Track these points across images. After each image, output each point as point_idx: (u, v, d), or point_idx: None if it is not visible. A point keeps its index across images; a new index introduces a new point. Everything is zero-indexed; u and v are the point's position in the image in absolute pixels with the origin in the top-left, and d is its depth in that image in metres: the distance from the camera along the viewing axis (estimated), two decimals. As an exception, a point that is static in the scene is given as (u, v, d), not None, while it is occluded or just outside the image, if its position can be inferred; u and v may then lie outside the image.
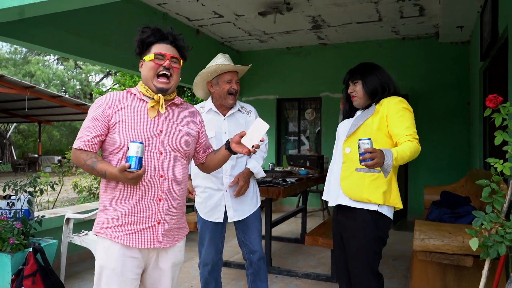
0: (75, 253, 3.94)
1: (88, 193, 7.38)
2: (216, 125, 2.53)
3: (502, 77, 3.60)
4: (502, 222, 1.87)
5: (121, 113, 1.68)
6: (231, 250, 4.55)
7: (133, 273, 1.66)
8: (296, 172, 4.69)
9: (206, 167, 2.00)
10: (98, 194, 6.80)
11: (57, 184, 4.02)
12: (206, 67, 2.50)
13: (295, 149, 7.40)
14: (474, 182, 3.08)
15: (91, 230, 3.42)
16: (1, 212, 3.32)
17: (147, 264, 1.72)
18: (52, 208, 6.14)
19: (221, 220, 2.53)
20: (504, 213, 1.92)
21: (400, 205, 2.11)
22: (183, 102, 1.87)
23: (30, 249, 2.96)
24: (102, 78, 25.43)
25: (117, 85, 9.02)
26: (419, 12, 5.27)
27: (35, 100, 12.56)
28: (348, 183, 2.12)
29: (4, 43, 22.02)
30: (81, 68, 24.81)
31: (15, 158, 19.42)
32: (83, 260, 4.03)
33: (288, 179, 3.88)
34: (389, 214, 2.10)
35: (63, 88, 24.38)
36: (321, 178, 4.42)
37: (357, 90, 2.19)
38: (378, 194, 2.04)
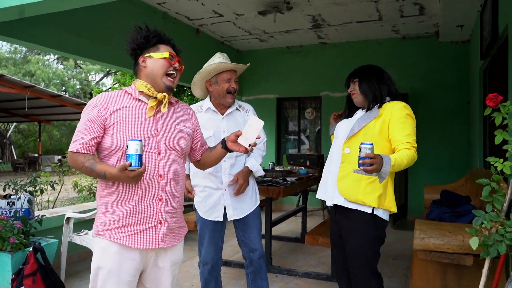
0: (75, 253, 3.95)
1: (88, 193, 7.38)
2: (214, 124, 2.53)
3: (502, 76, 3.60)
4: (502, 221, 1.87)
5: (118, 114, 1.65)
6: (231, 249, 4.55)
7: (130, 274, 1.65)
8: (296, 171, 4.69)
9: (202, 165, 2.00)
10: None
11: (57, 183, 4.02)
12: (205, 66, 2.50)
13: (295, 148, 7.40)
14: (474, 181, 3.09)
15: (91, 229, 3.42)
16: (1, 212, 3.32)
17: (146, 264, 1.71)
18: (52, 208, 6.14)
19: (221, 219, 2.53)
20: (504, 212, 1.92)
21: (394, 209, 2.13)
22: (177, 101, 1.88)
23: (30, 249, 2.96)
24: (102, 78, 25.43)
25: (117, 84, 9.02)
26: (419, 11, 5.26)
27: (35, 99, 12.56)
28: (344, 184, 2.13)
29: (4, 43, 22.01)
30: (81, 68, 24.80)
31: (15, 157, 19.42)
32: (83, 260, 4.04)
33: (288, 179, 3.88)
34: (384, 216, 2.13)
35: (63, 88, 24.37)
36: (321, 178, 4.40)
37: (355, 89, 2.25)
38: (373, 197, 2.06)
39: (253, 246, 2.58)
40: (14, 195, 3.38)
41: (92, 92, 17.74)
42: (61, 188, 6.88)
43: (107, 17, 4.37)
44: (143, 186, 1.64)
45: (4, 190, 3.44)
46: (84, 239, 3.42)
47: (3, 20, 3.19)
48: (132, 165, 1.51)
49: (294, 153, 6.96)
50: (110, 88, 15.49)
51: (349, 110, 2.35)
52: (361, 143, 1.80)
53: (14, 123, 20.59)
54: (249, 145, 1.76)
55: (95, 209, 3.92)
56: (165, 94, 1.72)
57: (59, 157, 17.85)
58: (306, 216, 5.08)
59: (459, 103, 6.12)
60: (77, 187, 7.37)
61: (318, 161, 5.59)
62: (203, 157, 1.96)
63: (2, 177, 12.77)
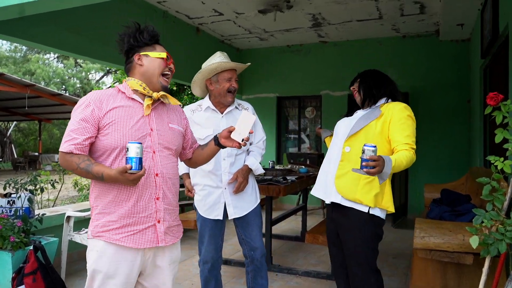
0: (75, 251, 3.95)
1: (88, 191, 7.39)
2: (214, 122, 2.53)
3: (502, 75, 3.60)
4: (502, 220, 1.87)
5: (113, 113, 1.61)
6: (231, 248, 4.55)
7: (126, 276, 1.63)
8: (296, 170, 4.69)
9: (194, 163, 1.99)
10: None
11: (57, 182, 4.02)
12: (205, 65, 2.50)
13: (295, 147, 7.40)
14: (475, 180, 3.08)
15: (91, 228, 3.42)
16: (2, 210, 3.32)
17: (145, 265, 1.70)
18: (53, 206, 6.14)
19: (221, 218, 2.53)
20: (505, 211, 1.92)
21: (392, 209, 2.14)
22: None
23: (31, 247, 2.96)
24: (102, 76, 25.42)
25: (117, 83, 9.02)
26: (420, 10, 5.26)
27: (35, 98, 12.57)
28: (342, 182, 2.14)
29: (4, 41, 22.00)
30: (81, 66, 24.80)
31: (16, 156, 19.44)
32: (84, 258, 4.02)
33: (288, 177, 3.88)
34: (382, 215, 2.14)
35: (63, 86, 24.38)
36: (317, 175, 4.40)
37: (356, 87, 2.33)
38: (370, 197, 2.07)
39: (254, 244, 2.58)
40: (14, 193, 3.38)
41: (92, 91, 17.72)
42: (61, 186, 6.88)
43: (107, 15, 4.36)
44: (140, 186, 1.62)
45: (5, 188, 3.44)
46: (84, 237, 3.42)
47: (3, 19, 3.18)
48: (133, 168, 1.49)
49: (294, 152, 6.96)
50: (110, 87, 15.47)
51: (350, 109, 2.39)
52: (365, 145, 1.80)
53: (14, 122, 20.60)
54: (242, 140, 1.76)
55: (95, 208, 3.93)
56: (161, 93, 1.71)
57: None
58: (306, 215, 5.09)
59: (459, 102, 6.12)
60: (77, 186, 7.38)
61: (318, 160, 5.59)
62: (195, 155, 1.96)
63: (3, 176, 12.77)
